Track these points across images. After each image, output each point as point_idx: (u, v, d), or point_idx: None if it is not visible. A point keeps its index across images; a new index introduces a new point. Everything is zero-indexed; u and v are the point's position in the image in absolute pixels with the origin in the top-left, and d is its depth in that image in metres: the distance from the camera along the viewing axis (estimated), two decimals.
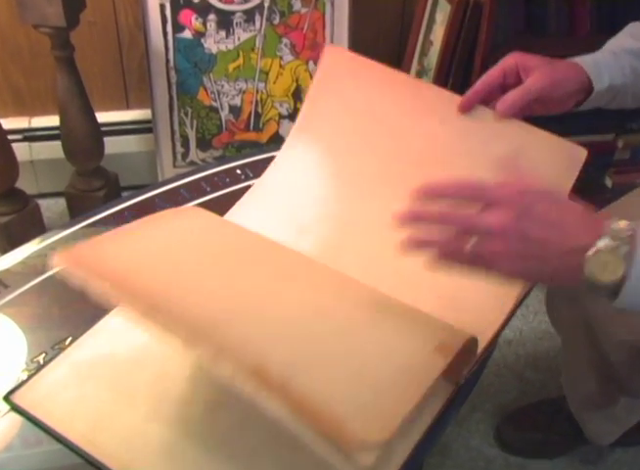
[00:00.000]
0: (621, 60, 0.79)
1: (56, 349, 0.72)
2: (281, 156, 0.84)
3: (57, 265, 0.62)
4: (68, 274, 0.58)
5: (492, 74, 0.75)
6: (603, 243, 0.52)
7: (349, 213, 0.75)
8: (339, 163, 0.79)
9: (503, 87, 0.76)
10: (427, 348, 0.58)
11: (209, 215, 0.75)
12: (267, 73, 1.61)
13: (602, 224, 0.53)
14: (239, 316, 0.58)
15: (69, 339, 0.73)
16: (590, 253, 0.52)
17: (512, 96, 0.73)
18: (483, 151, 0.75)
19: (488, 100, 0.76)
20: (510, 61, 0.75)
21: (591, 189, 1.57)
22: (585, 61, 0.78)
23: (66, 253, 0.62)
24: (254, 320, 0.58)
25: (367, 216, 0.74)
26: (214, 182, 0.96)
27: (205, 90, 1.60)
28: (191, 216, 0.74)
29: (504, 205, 0.55)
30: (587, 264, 0.53)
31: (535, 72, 0.74)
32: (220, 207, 0.84)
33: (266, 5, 1.54)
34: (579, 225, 0.54)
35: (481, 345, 0.66)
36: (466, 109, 0.76)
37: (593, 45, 0.86)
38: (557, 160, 0.73)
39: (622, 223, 0.53)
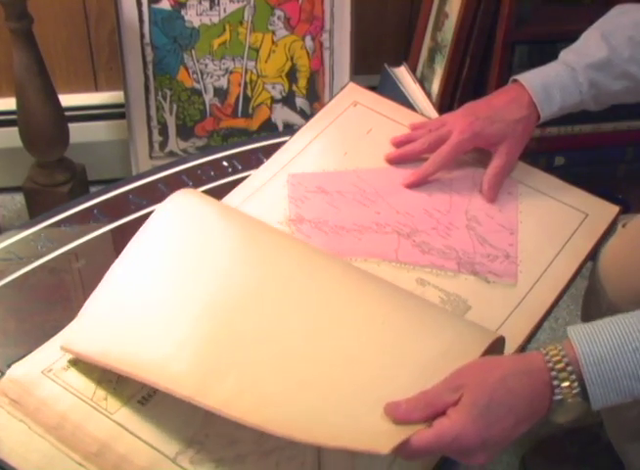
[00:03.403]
0: (579, 77, 0.88)
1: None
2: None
3: None
4: None
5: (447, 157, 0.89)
6: (557, 397, 0.63)
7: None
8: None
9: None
10: (450, 349, 0.66)
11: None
12: (258, 51, 1.60)
13: (550, 387, 0.63)
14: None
15: None
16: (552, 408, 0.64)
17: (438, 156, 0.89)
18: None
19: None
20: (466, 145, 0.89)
21: None
22: (534, 86, 0.89)
23: None
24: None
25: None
26: (197, 176, 0.96)
27: (187, 70, 1.59)
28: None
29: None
30: (551, 415, 0.65)
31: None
32: None
33: None
34: (534, 403, 0.63)
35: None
36: (414, 185, 0.89)
37: None
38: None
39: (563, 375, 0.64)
